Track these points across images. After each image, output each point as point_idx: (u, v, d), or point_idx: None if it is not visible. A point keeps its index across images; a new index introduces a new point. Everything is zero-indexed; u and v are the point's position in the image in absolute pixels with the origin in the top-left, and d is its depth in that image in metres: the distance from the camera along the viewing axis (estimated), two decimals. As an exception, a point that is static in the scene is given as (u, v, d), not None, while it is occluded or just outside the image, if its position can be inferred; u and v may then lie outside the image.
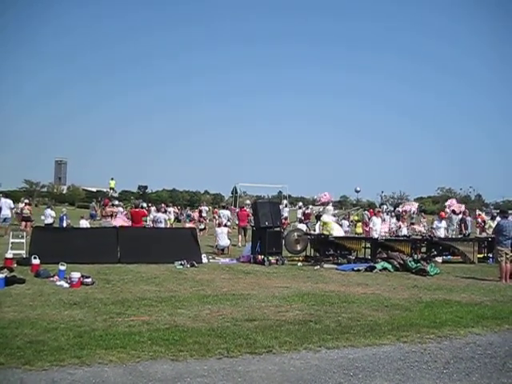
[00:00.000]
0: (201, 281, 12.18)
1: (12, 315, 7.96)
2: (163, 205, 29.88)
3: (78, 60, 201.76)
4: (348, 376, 5.69)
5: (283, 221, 23.51)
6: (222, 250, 19.37)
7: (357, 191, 60.65)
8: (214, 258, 17.15)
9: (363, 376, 5.70)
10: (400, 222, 22.72)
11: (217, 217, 27.97)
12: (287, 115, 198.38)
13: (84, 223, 21.81)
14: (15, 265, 13.13)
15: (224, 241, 19.39)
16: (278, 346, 6.68)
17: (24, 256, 14.74)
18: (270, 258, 16.17)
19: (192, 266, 14.71)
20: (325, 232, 17.36)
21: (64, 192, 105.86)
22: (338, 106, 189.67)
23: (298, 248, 17.73)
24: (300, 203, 37.26)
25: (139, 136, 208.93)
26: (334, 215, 22.07)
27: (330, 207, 20.40)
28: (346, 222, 27.43)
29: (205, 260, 16.05)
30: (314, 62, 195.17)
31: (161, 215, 21.18)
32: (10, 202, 24.82)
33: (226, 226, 20.86)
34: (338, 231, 18.20)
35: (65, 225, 23.97)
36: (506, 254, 13.99)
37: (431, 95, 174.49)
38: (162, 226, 20.74)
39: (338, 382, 5.49)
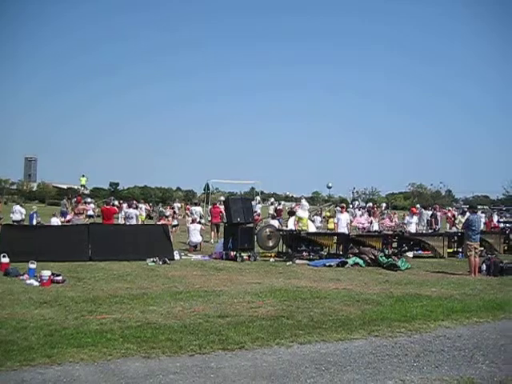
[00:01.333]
0: (173, 277, 12.15)
1: (-20, 315, 7.84)
2: (135, 201, 29.68)
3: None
4: (320, 370, 5.73)
5: (256, 217, 23.54)
6: (195, 246, 19.32)
7: (329, 187, 61.03)
8: (186, 255, 17.08)
9: (335, 370, 5.75)
10: (371, 218, 22.91)
11: (189, 213, 27.89)
12: (259, 112, 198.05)
13: (55, 221, 21.56)
14: (-17, 264, 12.91)
15: (196, 237, 19.36)
16: (250, 342, 6.69)
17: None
18: (243, 254, 16.20)
19: (164, 262, 14.66)
20: (301, 227, 17.47)
21: (34, 189, 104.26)
22: (307, 100, 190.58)
23: (270, 244, 17.77)
24: (272, 199, 37.30)
25: (111, 133, 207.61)
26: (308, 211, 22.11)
27: (305, 202, 20.43)
28: (318, 218, 27.58)
29: (177, 257, 16.00)
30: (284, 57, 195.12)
31: (132, 211, 21.00)
32: None
33: (199, 222, 20.82)
34: (310, 227, 18.33)
35: (35, 223, 23.67)
36: (475, 248, 14.26)
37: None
38: (134, 222, 20.59)
39: (310, 377, 5.51)
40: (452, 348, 6.83)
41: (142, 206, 31.59)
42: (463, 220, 18.91)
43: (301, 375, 5.56)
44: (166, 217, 27.90)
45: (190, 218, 25.01)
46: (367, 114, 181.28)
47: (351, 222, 20.58)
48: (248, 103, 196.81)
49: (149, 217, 33.68)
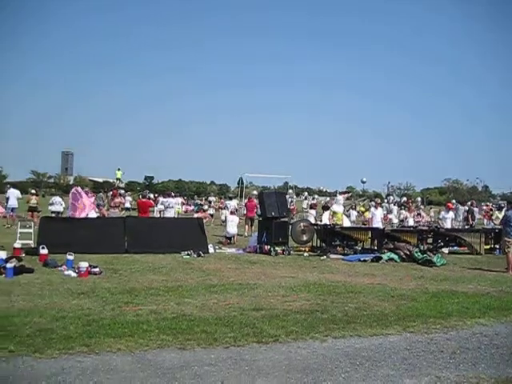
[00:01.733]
0: (207, 270, 12.23)
1: (21, 304, 8.03)
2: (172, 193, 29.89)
3: (83, 48, 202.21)
4: (354, 365, 5.72)
5: (292, 206, 23.50)
6: (230, 238, 19.45)
7: (363, 182, 60.72)
8: (220, 248, 17.18)
9: (369, 365, 5.73)
10: (407, 213, 22.69)
11: (223, 207, 28.07)
12: (294, 106, 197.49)
13: (92, 213, 21.84)
14: (24, 254, 13.19)
15: (233, 229, 19.58)
16: (284, 335, 6.72)
17: (32, 246, 14.86)
18: (277, 248, 16.22)
19: (199, 255, 14.77)
20: (335, 222, 17.43)
21: (71, 183, 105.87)
22: (344, 99, 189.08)
23: (304, 238, 17.71)
24: (306, 193, 37.27)
25: (146, 126, 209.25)
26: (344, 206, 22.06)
27: (339, 197, 20.36)
28: (354, 212, 27.50)
29: (211, 250, 16.08)
30: (326, 56, 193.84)
31: (172, 200, 21.16)
32: (17, 192, 25.05)
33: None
34: (345, 222, 18.27)
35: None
36: (514, 244, 13.98)
37: (431, 90, 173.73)
38: (173, 212, 20.74)
39: (345, 371, 5.51)
40: (489, 346, 6.74)
41: (178, 199, 31.82)
42: (500, 216, 18.61)
43: (335, 369, 5.56)
44: (204, 210, 28.12)
45: (224, 211, 25.19)
46: (399, 109, 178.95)
47: (386, 217, 20.44)
48: (284, 97, 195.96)
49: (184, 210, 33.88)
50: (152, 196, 29.31)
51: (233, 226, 19.65)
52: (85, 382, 4.99)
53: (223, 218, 21.26)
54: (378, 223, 18.59)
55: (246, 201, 26.55)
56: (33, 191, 26.02)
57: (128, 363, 5.54)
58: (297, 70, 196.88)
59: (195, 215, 26.74)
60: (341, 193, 22.68)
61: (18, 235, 15.93)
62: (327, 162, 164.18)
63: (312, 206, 22.99)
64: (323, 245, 17.18)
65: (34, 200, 23.82)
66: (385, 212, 22.61)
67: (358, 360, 5.89)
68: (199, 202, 35.14)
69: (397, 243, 16.41)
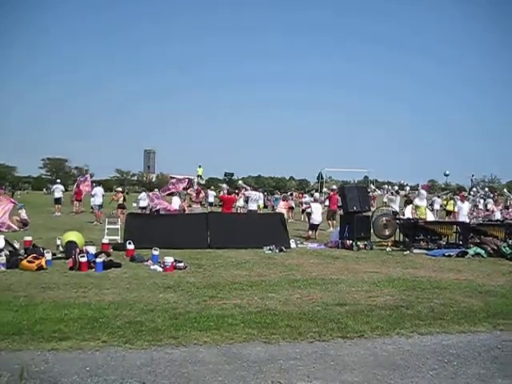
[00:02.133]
0: (290, 265, 12.26)
1: (111, 297, 8.34)
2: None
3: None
4: (442, 362, 5.61)
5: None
6: (315, 227, 19.58)
7: (446, 175, 58.84)
8: (302, 243, 17.17)
9: (458, 363, 5.60)
10: (493, 206, 21.94)
11: (303, 202, 28.12)
12: (371, 100, 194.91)
13: (176, 201, 22.54)
14: (111, 250, 13.68)
15: (318, 217, 19.74)
16: (369, 331, 6.67)
17: (119, 241, 15.38)
18: (359, 242, 16.08)
19: (281, 250, 14.83)
20: (420, 216, 17.11)
21: (153, 180, 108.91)
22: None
23: (387, 233, 17.43)
24: (386, 186, 36.69)
25: (225, 124, 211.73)
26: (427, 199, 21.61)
27: (423, 191, 19.91)
28: (436, 206, 26.98)
29: (293, 245, 16.12)
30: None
31: (255, 193, 21.35)
32: (102, 190, 26.06)
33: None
34: (428, 216, 17.88)
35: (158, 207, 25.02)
36: None
37: None
38: (256, 206, 20.94)
39: (432, 368, 5.41)
40: None
41: (260, 194, 32.10)
42: None
43: (422, 366, 5.48)
44: (287, 200, 28.27)
45: (302, 207, 25.24)
46: (480, 99, 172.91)
47: (472, 211, 19.86)
48: (360, 90, 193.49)
49: (264, 206, 34.12)
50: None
51: (317, 212, 19.83)
52: (173, 373, 5.13)
53: (311, 204, 21.36)
54: (463, 217, 18.06)
55: (331, 193, 26.41)
56: (119, 189, 26.95)
57: (214, 356, 5.66)
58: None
59: (281, 203, 26.96)
60: (423, 186, 22.08)
61: (106, 231, 16.53)
62: (408, 155, 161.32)
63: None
64: (406, 239, 16.86)
65: (121, 197, 24.71)
66: (470, 205, 21.92)
67: (446, 357, 5.77)
68: (278, 196, 35.18)
69: (483, 237, 15.90)
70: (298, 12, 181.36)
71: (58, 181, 34.24)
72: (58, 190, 31.06)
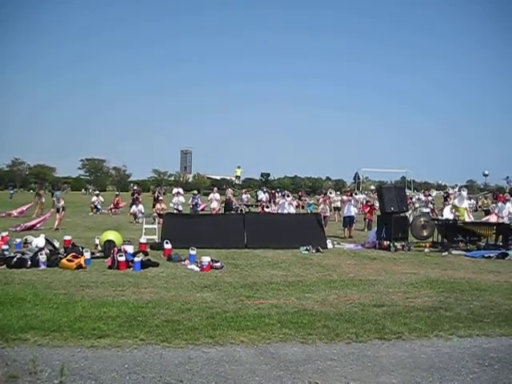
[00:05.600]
0: (326, 266, 12.23)
1: (149, 296, 8.44)
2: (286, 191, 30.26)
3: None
4: (482, 366, 5.50)
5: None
6: (350, 222, 19.65)
7: (485, 175, 57.92)
8: (339, 244, 17.09)
9: (499, 367, 5.48)
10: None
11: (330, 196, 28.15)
12: (411, 101, 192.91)
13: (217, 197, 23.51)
14: (149, 249, 13.84)
15: (351, 211, 19.97)
16: (407, 333, 6.60)
17: (156, 241, 15.52)
18: (396, 243, 15.92)
19: (317, 251, 14.78)
20: (457, 216, 16.87)
21: (190, 180, 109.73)
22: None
23: (425, 234, 17.21)
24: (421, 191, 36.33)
25: (261, 123, 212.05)
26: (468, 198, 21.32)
27: (463, 192, 19.62)
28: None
29: (330, 245, 16.05)
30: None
31: (285, 200, 21.43)
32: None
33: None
34: (467, 217, 17.62)
35: (200, 201, 26.78)
36: None
37: None
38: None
39: (472, 372, 5.32)
40: None
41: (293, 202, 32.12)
42: None
43: (462, 369, 5.39)
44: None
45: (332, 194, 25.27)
46: None
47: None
48: (402, 91, 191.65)
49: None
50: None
51: (349, 207, 20.09)
52: (211, 372, 5.16)
53: (343, 199, 21.65)
54: (505, 218, 17.71)
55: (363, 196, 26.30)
56: (161, 198, 27.32)
57: (251, 355, 5.67)
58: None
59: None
60: (460, 187, 21.67)
61: (144, 231, 16.70)
62: (446, 156, 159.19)
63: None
64: (444, 240, 16.62)
65: (163, 206, 25.04)
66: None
67: (487, 361, 5.65)
68: (310, 201, 34.83)
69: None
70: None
71: (97, 192, 35.72)
72: (98, 204, 32.35)
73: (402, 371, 5.30)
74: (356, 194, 24.98)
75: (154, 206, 24.68)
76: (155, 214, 22.06)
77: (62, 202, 21.25)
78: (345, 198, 21.99)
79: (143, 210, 25.64)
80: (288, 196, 22.10)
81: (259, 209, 27.48)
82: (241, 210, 25.39)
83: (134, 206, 26.00)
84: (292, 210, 21.51)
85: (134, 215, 25.30)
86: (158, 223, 17.35)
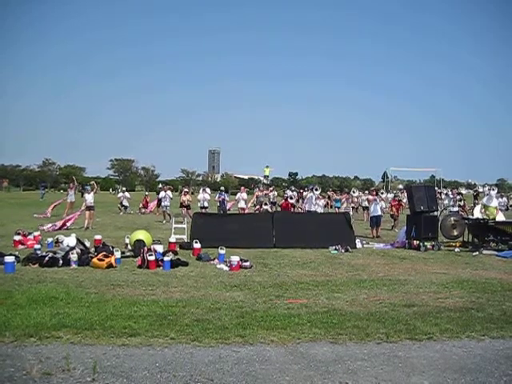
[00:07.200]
0: (356, 266, 12.18)
1: (179, 295, 8.50)
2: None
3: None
4: (516, 368, 5.44)
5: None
6: (377, 222, 19.69)
7: (516, 173, 56.80)
8: (368, 243, 17.02)
9: (534, 369, 5.41)
10: None
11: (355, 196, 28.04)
12: (441, 99, 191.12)
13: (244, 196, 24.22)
14: (178, 248, 13.94)
15: (378, 211, 19.87)
16: (438, 333, 6.54)
17: (185, 240, 15.62)
18: (426, 243, 15.77)
19: (346, 250, 14.74)
20: (488, 216, 16.66)
21: (218, 180, 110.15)
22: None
23: (455, 233, 17.02)
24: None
25: (289, 123, 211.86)
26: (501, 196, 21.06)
27: (492, 192, 19.37)
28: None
29: (359, 245, 16.01)
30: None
31: (312, 194, 21.45)
32: (170, 193, 26.64)
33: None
34: (498, 216, 17.37)
35: (227, 198, 27.08)
36: None
37: None
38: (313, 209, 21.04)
39: (506, 374, 5.24)
40: None
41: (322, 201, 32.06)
42: None
43: (495, 371, 5.31)
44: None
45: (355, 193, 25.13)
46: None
47: None
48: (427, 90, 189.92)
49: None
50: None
51: (376, 206, 20.08)
52: (241, 371, 5.18)
53: (369, 198, 21.58)
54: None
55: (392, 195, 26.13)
56: (186, 190, 27.45)
57: (281, 355, 5.67)
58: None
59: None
60: (490, 186, 21.38)
61: (173, 230, 16.81)
62: (476, 154, 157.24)
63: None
64: (475, 240, 16.41)
65: (188, 197, 25.17)
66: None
67: (521, 363, 5.58)
68: (338, 198, 34.71)
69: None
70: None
71: (124, 188, 36.53)
72: (124, 199, 32.92)
73: (433, 372, 5.26)
74: (382, 193, 24.80)
75: (184, 207, 24.82)
76: (181, 209, 22.17)
77: (92, 201, 21.35)
78: (370, 197, 21.91)
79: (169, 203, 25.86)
80: (316, 190, 22.04)
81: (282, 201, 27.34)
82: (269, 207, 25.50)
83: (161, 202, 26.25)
84: (320, 209, 21.47)
85: (164, 214, 25.45)
86: (184, 217, 17.40)
